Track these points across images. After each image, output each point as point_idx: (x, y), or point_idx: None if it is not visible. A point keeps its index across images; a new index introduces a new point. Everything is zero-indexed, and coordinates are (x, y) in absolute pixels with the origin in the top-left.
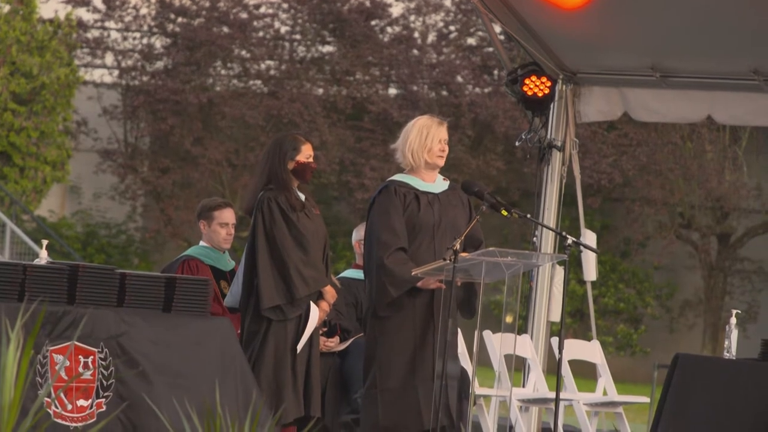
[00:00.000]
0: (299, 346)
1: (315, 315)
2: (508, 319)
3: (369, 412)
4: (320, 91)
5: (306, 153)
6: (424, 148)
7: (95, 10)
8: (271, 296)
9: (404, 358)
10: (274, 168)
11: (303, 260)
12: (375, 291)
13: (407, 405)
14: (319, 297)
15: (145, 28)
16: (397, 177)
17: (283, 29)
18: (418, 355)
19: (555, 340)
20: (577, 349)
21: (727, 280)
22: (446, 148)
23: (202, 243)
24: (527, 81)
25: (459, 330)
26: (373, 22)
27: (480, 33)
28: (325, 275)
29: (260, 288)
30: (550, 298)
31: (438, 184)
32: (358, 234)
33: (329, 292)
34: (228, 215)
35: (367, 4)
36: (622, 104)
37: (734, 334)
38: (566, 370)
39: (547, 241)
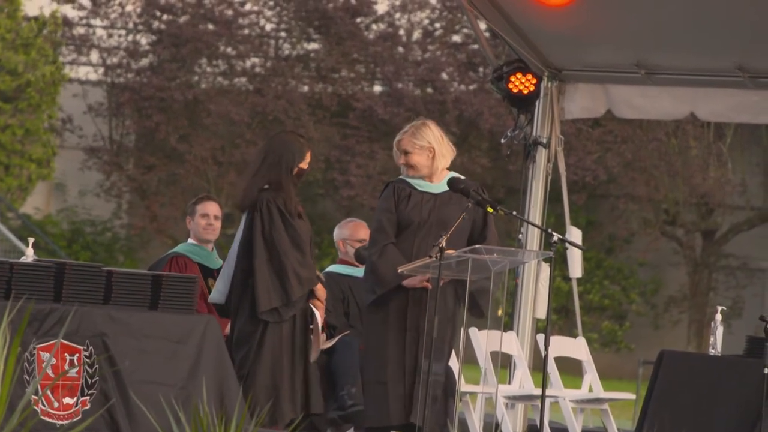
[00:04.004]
0: (323, 347)
1: (319, 316)
2: (499, 312)
3: (365, 405)
4: (305, 88)
5: (308, 160)
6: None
7: (81, 7)
8: (269, 299)
9: (389, 353)
10: (277, 171)
11: (300, 261)
12: (363, 287)
13: (391, 399)
14: (310, 295)
15: (131, 25)
16: (403, 176)
17: (269, 26)
18: (404, 351)
19: (541, 337)
20: (563, 345)
21: (711, 277)
22: (407, 160)
23: (190, 240)
24: (512, 78)
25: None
26: (358, 20)
27: (465, 30)
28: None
29: (257, 291)
30: (535, 295)
31: (442, 184)
32: (340, 232)
33: (320, 290)
34: (209, 207)
35: (353, 1)
36: (605, 101)
37: (719, 331)
38: (552, 367)
39: (532, 238)
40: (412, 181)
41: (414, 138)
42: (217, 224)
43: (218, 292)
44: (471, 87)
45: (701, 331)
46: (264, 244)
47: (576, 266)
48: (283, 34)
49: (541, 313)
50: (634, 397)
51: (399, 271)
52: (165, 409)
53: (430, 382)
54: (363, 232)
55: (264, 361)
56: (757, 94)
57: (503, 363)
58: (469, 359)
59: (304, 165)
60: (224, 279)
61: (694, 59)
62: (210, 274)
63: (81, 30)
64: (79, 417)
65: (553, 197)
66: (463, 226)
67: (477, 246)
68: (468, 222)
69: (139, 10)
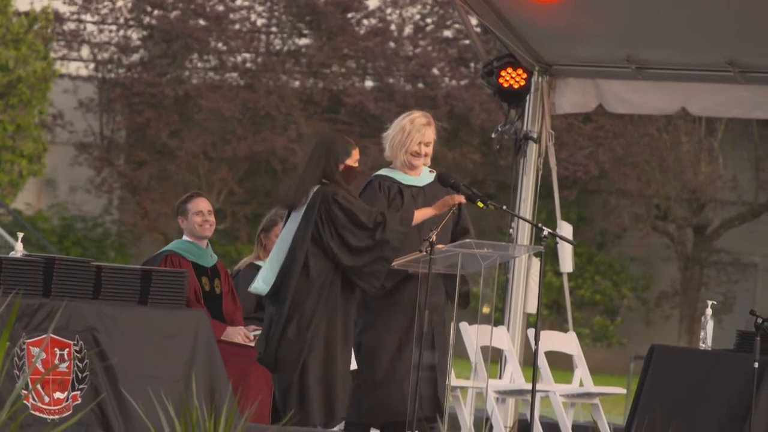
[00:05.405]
0: None
1: None
2: (485, 309)
3: (353, 403)
4: (297, 83)
5: (355, 157)
6: (402, 147)
7: (72, 2)
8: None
9: (389, 350)
10: (327, 168)
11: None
12: None
13: (390, 396)
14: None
15: (122, 20)
16: (383, 171)
17: (260, 22)
18: (403, 347)
19: (531, 332)
20: (554, 340)
21: (703, 272)
22: (427, 151)
23: (184, 237)
24: (503, 73)
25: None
26: (349, 15)
27: (456, 25)
28: None
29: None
30: (526, 290)
31: (423, 176)
32: None
33: None
34: (201, 204)
35: None
36: (596, 96)
37: (710, 326)
38: (543, 362)
39: (523, 232)
40: (396, 176)
41: (434, 129)
42: (212, 219)
43: (265, 282)
44: (462, 82)
45: (692, 326)
46: (363, 227)
47: (567, 261)
48: (274, 29)
49: (532, 307)
50: (624, 391)
51: (393, 265)
52: (155, 403)
53: (421, 375)
54: None
55: (315, 360)
56: (747, 89)
57: (494, 357)
58: (460, 354)
59: (351, 162)
60: (272, 269)
61: (685, 54)
62: (204, 272)
63: (72, 25)
64: (70, 412)
65: (543, 192)
66: (449, 221)
67: (467, 240)
68: (454, 216)
69: (129, 5)
